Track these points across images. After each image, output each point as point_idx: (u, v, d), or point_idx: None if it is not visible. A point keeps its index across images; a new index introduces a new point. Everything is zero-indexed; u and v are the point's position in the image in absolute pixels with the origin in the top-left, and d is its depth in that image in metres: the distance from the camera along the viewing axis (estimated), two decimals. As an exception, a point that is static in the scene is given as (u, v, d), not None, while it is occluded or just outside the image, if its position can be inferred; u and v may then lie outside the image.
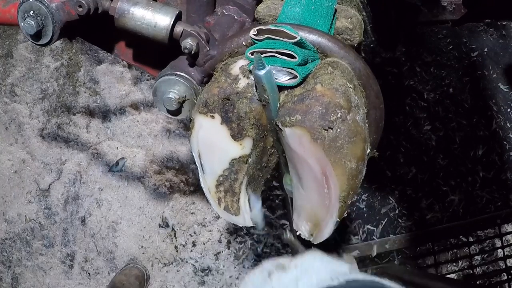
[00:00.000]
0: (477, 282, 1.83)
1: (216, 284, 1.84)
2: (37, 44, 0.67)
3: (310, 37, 0.56)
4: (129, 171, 1.94)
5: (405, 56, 1.97)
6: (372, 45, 1.96)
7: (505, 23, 2.07)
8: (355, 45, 0.64)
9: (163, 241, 1.88)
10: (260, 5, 0.65)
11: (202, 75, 0.64)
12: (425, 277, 1.32)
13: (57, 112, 2.01)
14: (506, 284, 1.77)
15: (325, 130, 0.51)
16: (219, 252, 1.86)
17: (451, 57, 2.00)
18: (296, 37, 0.52)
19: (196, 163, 0.60)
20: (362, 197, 1.80)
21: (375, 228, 1.78)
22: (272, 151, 0.61)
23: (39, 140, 1.99)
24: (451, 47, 2.01)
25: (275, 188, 1.87)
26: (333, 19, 0.62)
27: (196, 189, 1.91)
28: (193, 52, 0.61)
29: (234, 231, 1.87)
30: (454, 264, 1.83)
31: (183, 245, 1.87)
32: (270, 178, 0.64)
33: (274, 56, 0.53)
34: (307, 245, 1.76)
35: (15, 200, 1.95)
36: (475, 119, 1.94)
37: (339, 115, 0.51)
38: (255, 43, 0.56)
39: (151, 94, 0.67)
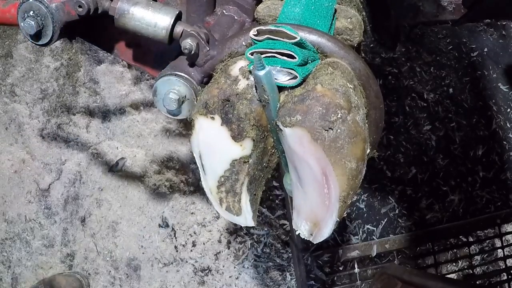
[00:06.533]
0: (477, 282, 1.83)
1: (216, 284, 1.84)
2: (37, 44, 0.67)
3: (310, 37, 0.56)
4: (129, 171, 1.94)
5: (405, 56, 1.97)
6: (372, 45, 1.96)
7: (505, 23, 2.08)
8: (355, 45, 0.64)
9: (163, 241, 1.88)
10: (260, 5, 0.65)
11: (202, 75, 0.64)
12: (425, 277, 1.33)
13: (57, 112, 2.01)
14: (506, 284, 1.77)
15: (325, 130, 0.51)
16: (219, 252, 1.86)
17: (451, 57, 2.00)
18: (296, 38, 0.52)
19: (197, 163, 0.60)
20: (362, 197, 1.80)
21: (375, 228, 1.78)
22: (273, 151, 0.61)
23: (39, 140, 1.99)
24: (451, 47, 2.01)
25: (275, 188, 1.87)
26: (333, 19, 0.62)
27: (196, 189, 1.91)
28: (193, 52, 0.61)
29: (234, 231, 1.87)
30: (454, 264, 1.83)
31: (183, 245, 1.87)
32: (270, 178, 0.64)
33: (274, 56, 0.53)
34: (307, 245, 1.76)
35: (15, 200, 1.95)
36: (475, 119, 1.94)
37: (339, 116, 0.51)
38: (255, 43, 0.56)
39: (151, 94, 0.67)
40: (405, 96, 1.92)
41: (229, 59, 0.60)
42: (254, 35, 0.55)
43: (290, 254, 1.84)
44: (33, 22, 0.63)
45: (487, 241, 1.86)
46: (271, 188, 1.86)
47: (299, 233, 0.58)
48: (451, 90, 1.96)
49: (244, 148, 0.56)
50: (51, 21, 0.64)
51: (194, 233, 1.88)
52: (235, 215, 0.60)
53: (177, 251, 1.87)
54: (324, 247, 1.71)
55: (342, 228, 1.76)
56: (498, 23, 2.07)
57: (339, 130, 0.51)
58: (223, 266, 1.85)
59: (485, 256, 1.86)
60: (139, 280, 1.85)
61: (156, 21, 0.63)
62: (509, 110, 1.98)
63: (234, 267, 1.85)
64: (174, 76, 0.63)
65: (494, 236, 1.84)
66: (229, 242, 1.86)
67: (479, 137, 1.92)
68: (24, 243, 1.91)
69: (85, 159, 1.95)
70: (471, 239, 1.83)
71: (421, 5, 1.95)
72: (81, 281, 1.83)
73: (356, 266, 1.73)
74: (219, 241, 1.87)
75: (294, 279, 1.82)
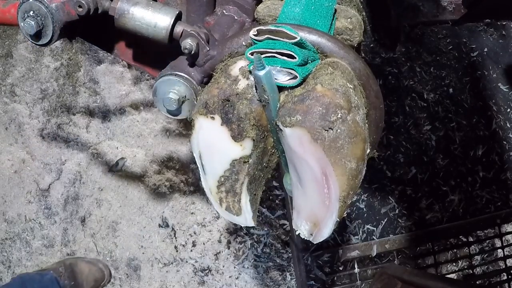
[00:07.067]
0: (477, 282, 1.83)
1: (216, 284, 1.84)
2: (37, 44, 0.67)
3: (310, 37, 0.56)
4: (129, 171, 1.94)
5: (405, 56, 1.97)
6: (372, 45, 1.96)
7: (505, 23, 2.08)
8: (355, 45, 0.64)
9: (163, 241, 1.88)
10: (260, 6, 0.65)
11: (202, 75, 0.64)
12: (425, 277, 1.33)
13: (57, 112, 2.01)
14: (506, 284, 1.77)
15: (325, 130, 0.51)
16: (219, 252, 1.86)
17: (451, 57, 2.00)
18: (296, 37, 0.52)
19: (197, 163, 0.60)
20: (362, 197, 1.80)
21: (375, 228, 1.78)
22: (273, 151, 0.61)
23: (39, 140, 1.99)
24: (451, 47, 2.01)
25: (275, 188, 1.87)
26: (333, 19, 0.62)
27: (196, 189, 1.91)
28: (193, 52, 0.61)
29: (234, 231, 1.87)
30: (454, 264, 1.83)
31: (183, 245, 1.87)
32: (270, 178, 0.64)
33: (274, 56, 0.53)
34: (307, 245, 1.76)
35: (15, 200, 1.95)
36: (475, 119, 1.94)
37: (339, 116, 0.51)
38: (255, 43, 0.56)
39: (151, 94, 0.67)
40: (405, 96, 1.92)
41: (229, 59, 0.60)
42: (254, 35, 0.55)
43: (290, 254, 1.84)
44: (33, 22, 0.63)
45: (487, 241, 1.86)
46: (271, 188, 1.86)
47: (299, 233, 0.58)
48: (451, 90, 1.96)
49: (244, 148, 0.56)
50: (51, 21, 0.64)
51: (194, 233, 1.88)
52: (235, 215, 0.60)
53: (177, 251, 1.87)
54: (324, 247, 1.71)
55: (342, 228, 1.76)
56: (498, 23, 2.07)
57: (339, 130, 0.51)
58: (223, 266, 1.85)
59: (485, 256, 1.86)
60: (139, 280, 1.85)
61: (156, 21, 0.63)
62: (509, 110, 1.98)
63: (234, 267, 1.85)
64: (174, 76, 0.63)
65: (494, 236, 1.84)
66: (229, 242, 1.86)
67: (479, 137, 1.92)
68: (24, 243, 1.91)
69: (85, 159, 1.95)
70: (471, 239, 1.83)
71: (421, 5, 1.95)
72: (104, 272, 1.79)
73: (356, 266, 1.73)
74: (219, 241, 1.87)
75: (294, 279, 1.82)
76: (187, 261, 1.86)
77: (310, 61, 0.55)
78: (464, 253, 1.82)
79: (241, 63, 0.57)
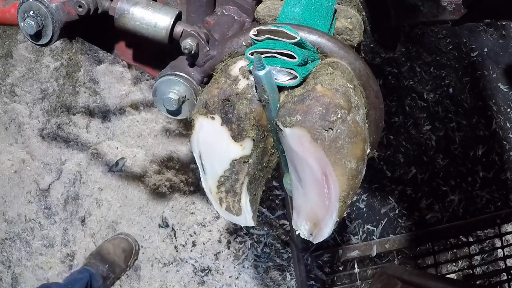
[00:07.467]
0: (477, 282, 1.83)
1: (216, 284, 1.84)
2: (37, 44, 0.67)
3: (310, 37, 0.56)
4: (129, 171, 1.94)
5: (405, 56, 1.97)
6: (372, 45, 1.96)
7: (505, 23, 2.08)
8: (355, 45, 0.64)
9: (163, 241, 1.88)
10: (260, 6, 0.65)
11: (202, 75, 0.64)
12: (425, 277, 1.33)
13: (57, 112, 2.01)
14: (506, 284, 1.77)
15: (325, 130, 0.51)
16: (219, 252, 1.86)
17: (451, 57, 2.00)
18: (296, 38, 0.52)
19: (197, 163, 0.60)
20: (362, 197, 1.80)
21: (375, 228, 1.78)
22: (273, 151, 0.61)
23: (39, 140, 1.99)
24: (451, 47, 2.01)
25: (275, 188, 1.87)
26: (332, 19, 0.62)
27: (196, 189, 1.91)
28: (193, 52, 0.61)
29: (234, 231, 1.87)
30: (454, 264, 1.83)
31: (183, 245, 1.87)
32: (270, 178, 0.64)
33: (274, 56, 0.53)
34: (307, 245, 1.76)
35: (15, 200, 1.95)
36: (475, 119, 1.94)
37: (339, 116, 0.51)
38: (255, 43, 0.56)
39: (151, 94, 0.67)
40: (405, 96, 1.92)
41: (229, 59, 0.60)
42: (254, 35, 0.55)
43: (290, 254, 1.84)
44: (33, 22, 0.63)
45: (487, 241, 1.86)
46: (271, 188, 1.86)
47: (299, 233, 0.58)
48: (451, 90, 1.96)
49: (244, 148, 0.56)
50: (51, 21, 0.64)
51: (194, 233, 1.88)
52: (235, 215, 0.60)
53: (177, 251, 1.87)
54: (324, 247, 1.71)
55: (342, 228, 1.76)
56: (498, 23, 2.07)
57: (339, 130, 0.51)
58: (223, 266, 1.85)
59: (485, 256, 1.86)
60: (139, 280, 1.85)
61: (156, 21, 0.63)
62: (509, 110, 1.98)
63: (234, 267, 1.85)
64: (174, 76, 0.63)
65: (494, 236, 1.84)
66: (229, 242, 1.86)
67: (479, 137, 1.92)
68: (24, 243, 1.91)
69: (85, 159, 1.95)
70: (471, 239, 1.83)
71: (421, 5, 1.95)
72: (127, 239, 1.81)
73: (356, 266, 1.73)
74: (219, 241, 1.87)
75: (294, 279, 1.82)
76: (187, 261, 1.86)
77: (310, 61, 0.55)
78: (464, 253, 1.82)
79: (241, 63, 0.57)
